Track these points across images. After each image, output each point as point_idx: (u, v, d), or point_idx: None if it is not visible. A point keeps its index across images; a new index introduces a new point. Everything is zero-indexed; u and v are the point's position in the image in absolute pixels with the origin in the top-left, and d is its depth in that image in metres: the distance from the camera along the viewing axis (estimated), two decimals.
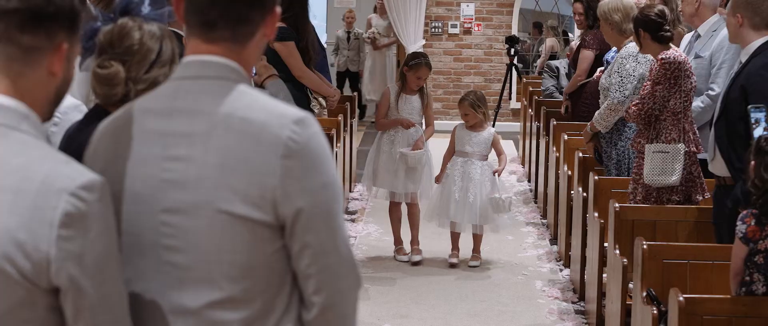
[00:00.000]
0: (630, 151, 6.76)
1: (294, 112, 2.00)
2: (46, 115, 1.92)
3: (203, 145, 1.98)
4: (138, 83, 2.71)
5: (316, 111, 6.22)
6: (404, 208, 7.34)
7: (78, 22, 1.92)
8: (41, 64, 1.87)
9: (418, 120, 7.20)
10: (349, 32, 14.80)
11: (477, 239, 7.15)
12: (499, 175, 7.01)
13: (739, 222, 4.00)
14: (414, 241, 7.27)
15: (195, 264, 1.98)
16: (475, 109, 6.96)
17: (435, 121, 7.53)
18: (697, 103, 6.10)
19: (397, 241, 7.37)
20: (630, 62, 6.33)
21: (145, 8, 2.86)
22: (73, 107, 3.30)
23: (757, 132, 4.42)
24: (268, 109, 2.00)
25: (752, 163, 4.02)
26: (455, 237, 7.14)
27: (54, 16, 1.87)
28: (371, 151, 7.40)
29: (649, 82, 5.57)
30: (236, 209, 1.95)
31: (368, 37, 14.54)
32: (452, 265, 7.06)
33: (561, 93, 9.67)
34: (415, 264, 7.11)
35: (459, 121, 7.23)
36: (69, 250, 1.76)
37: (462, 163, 6.98)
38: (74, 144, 2.64)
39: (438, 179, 7.11)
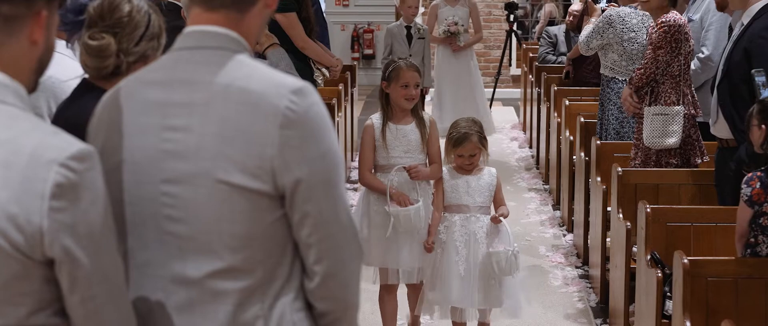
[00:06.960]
0: (612, 113, 6.81)
1: (292, 81, 1.99)
2: (31, 85, 1.90)
3: (202, 115, 1.97)
4: (128, 55, 2.73)
5: (319, 81, 6.21)
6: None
7: None
8: (22, 33, 1.85)
9: (420, 159, 4.88)
10: (408, 27, 9.11)
11: None
12: (495, 222, 4.76)
13: (743, 185, 4.01)
14: (415, 323, 5.15)
15: (195, 235, 1.98)
16: (483, 144, 4.83)
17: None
18: None
19: None
20: (607, 23, 6.87)
21: None
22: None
23: (764, 95, 4.42)
24: (266, 79, 1.99)
25: (754, 125, 4.03)
26: None
27: None
28: (357, 210, 5.00)
29: (650, 48, 5.58)
30: (234, 179, 1.94)
31: (446, 33, 9.86)
32: None
33: (556, 57, 9.69)
34: None
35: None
36: (61, 221, 1.75)
37: (462, 222, 4.77)
38: (62, 119, 2.64)
39: (428, 246, 4.81)
